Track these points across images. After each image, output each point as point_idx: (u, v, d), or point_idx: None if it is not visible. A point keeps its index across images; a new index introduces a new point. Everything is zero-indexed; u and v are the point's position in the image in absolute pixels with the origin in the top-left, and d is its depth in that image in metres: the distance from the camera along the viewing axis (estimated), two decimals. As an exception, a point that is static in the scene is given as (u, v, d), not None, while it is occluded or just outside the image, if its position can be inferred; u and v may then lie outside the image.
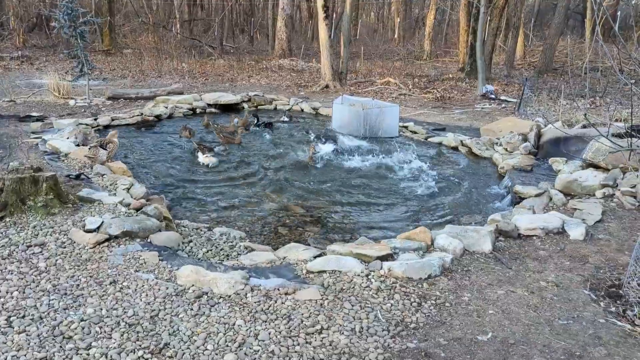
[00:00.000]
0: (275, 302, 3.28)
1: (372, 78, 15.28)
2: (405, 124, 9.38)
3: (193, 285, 3.43)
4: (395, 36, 27.10)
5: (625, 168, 5.61)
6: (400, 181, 6.72)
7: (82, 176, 5.49)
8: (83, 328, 2.91)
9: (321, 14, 13.90)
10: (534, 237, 4.44)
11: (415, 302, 3.35)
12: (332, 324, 3.08)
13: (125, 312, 3.10)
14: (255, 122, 9.42)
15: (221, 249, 4.32)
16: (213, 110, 10.79)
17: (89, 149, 6.24)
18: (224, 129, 8.70)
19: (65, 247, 3.88)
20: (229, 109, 10.87)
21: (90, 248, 3.88)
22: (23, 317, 3.00)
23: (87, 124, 8.39)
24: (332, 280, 3.59)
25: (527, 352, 2.88)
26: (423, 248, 4.10)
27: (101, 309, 3.11)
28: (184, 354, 2.75)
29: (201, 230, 4.73)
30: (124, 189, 5.31)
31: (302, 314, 3.16)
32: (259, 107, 11.31)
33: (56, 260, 3.67)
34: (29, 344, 2.76)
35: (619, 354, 2.87)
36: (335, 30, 18.29)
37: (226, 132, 8.47)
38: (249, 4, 28.14)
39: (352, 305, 3.27)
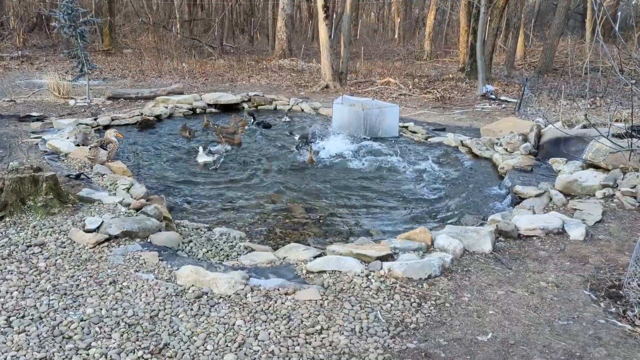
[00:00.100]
0: (275, 302, 3.28)
1: (372, 78, 15.28)
2: (406, 124, 9.38)
3: (193, 285, 3.43)
4: (396, 36, 27.10)
5: (625, 168, 5.61)
6: (400, 181, 6.71)
7: (82, 176, 5.49)
8: (83, 328, 2.91)
9: (321, 14, 13.90)
10: (534, 238, 4.44)
11: (415, 302, 3.35)
12: (332, 324, 3.08)
13: (125, 312, 3.10)
14: (252, 121, 9.42)
15: (221, 249, 4.32)
16: (213, 110, 10.79)
17: (90, 149, 6.24)
18: (223, 129, 8.70)
19: (65, 247, 3.88)
20: (229, 109, 10.87)
21: (90, 248, 3.88)
22: (23, 317, 3.00)
23: (87, 124, 8.40)
24: (332, 280, 3.59)
25: (527, 352, 2.87)
26: (423, 248, 4.10)
27: (101, 309, 3.11)
28: (183, 354, 2.75)
29: (201, 230, 4.73)
30: (124, 189, 5.31)
31: (302, 314, 3.15)
32: (259, 107, 11.31)
33: (56, 260, 3.67)
34: (28, 344, 2.75)
35: (619, 355, 2.87)
36: (336, 30, 18.28)
37: (226, 133, 8.47)
38: (249, 4, 28.15)
39: (352, 306, 3.27)
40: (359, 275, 3.63)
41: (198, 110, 10.62)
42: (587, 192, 5.47)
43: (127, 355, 2.71)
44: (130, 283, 3.43)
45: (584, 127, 7.27)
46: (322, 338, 2.94)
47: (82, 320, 2.98)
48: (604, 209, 4.98)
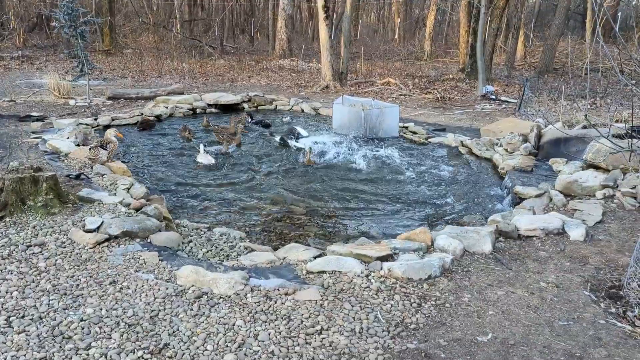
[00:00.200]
0: (275, 302, 3.28)
1: (372, 78, 15.29)
2: (406, 125, 9.38)
3: (193, 285, 3.43)
4: (396, 36, 27.10)
5: (625, 169, 5.61)
6: (400, 182, 6.71)
7: (82, 176, 5.49)
8: (83, 328, 2.91)
9: (321, 14, 13.90)
10: (534, 238, 4.44)
11: (415, 302, 3.35)
12: (332, 324, 3.08)
13: (125, 312, 3.10)
14: (250, 120, 9.42)
15: (221, 249, 4.31)
16: (213, 110, 10.79)
17: (90, 149, 6.24)
18: (223, 129, 8.70)
19: (65, 247, 3.88)
20: (229, 109, 10.86)
21: (90, 248, 3.88)
22: (23, 317, 3.00)
23: (87, 124, 8.40)
24: (332, 280, 3.59)
25: (527, 353, 2.87)
26: (423, 249, 4.10)
27: (101, 309, 3.11)
28: (183, 354, 2.75)
29: (201, 231, 4.73)
30: (124, 189, 5.31)
31: (302, 315, 3.15)
32: (259, 107, 11.31)
33: (56, 260, 3.67)
34: (28, 344, 2.75)
35: (619, 355, 2.86)
36: (336, 30, 18.29)
37: (226, 133, 8.47)
38: (250, 4, 28.16)
39: (352, 306, 3.27)
40: (359, 276, 3.63)
41: (198, 111, 10.62)
42: (587, 192, 5.47)
43: (127, 355, 2.71)
44: (130, 283, 3.43)
45: (584, 127, 7.27)
46: (322, 338, 2.94)
47: (82, 320, 2.98)
48: (604, 210, 4.98)
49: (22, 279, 3.41)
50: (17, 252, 3.76)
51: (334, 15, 20.81)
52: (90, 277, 3.49)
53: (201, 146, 7.30)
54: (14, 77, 13.16)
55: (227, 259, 4.12)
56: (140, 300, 3.23)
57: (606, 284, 3.64)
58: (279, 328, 3.01)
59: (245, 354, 2.77)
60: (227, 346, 2.84)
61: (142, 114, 9.57)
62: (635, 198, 5.14)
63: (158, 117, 9.73)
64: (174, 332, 2.94)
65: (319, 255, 4.01)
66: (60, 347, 2.75)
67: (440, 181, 6.76)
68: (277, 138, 8.52)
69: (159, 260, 3.78)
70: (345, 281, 3.58)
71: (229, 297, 3.32)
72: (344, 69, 14.39)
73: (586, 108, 10.21)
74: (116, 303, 3.19)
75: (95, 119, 8.84)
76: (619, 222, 4.76)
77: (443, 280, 3.65)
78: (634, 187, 5.22)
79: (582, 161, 6.03)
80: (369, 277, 3.62)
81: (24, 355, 2.67)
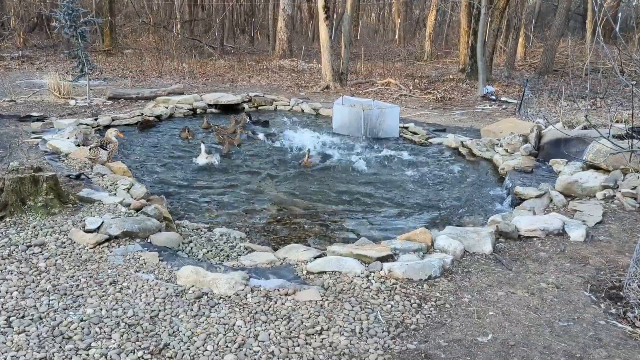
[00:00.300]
0: (275, 302, 3.28)
1: (372, 79, 15.29)
2: (406, 125, 9.38)
3: (193, 285, 3.43)
4: (396, 37, 27.11)
5: (626, 169, 5.61)
6: (400, 182, 6.71)
7: (83, 176, 5.49)
8: (83, 328, 2.91)
9: (322, 15, 13.90)
10: (534, 239, 4.44)
11: (415, 303, 3.35)
12: (332, 325, 3.08)
13: (125, 312, 3.09)
14: (248, 120, 9.44)
15: (221, 250, 4.31)
16: (214, 110, 10.79)
17: (90, 149, 6.24)
18: (223, 130, 8.70)
19: (65, 247, 3.88)
20: (229, 109, 10.87)
21: (90, 248, 3.88)
22: (23, 317, 3.00)
23: (87, 124, 8.40)
24: (332, 281, 3.59)
25: (527, 353, 2.87)
26: (423, 249, 4.10)
27: (101, 310, 3.11)
28: (183, 354, 2.75)
29: (201, 231, 4.73)
30: (124, 189, 5.31)
31: (302, 315, 3.15)
32: (259, 107, 11.31)
33: (56, 261, 3.67)
34: (28, 344, 2.75)
35: (619, 356, 2.86)
36: (336, 30, 18.30)
37: (226, 133, 8.48)
38: (250, 4, 28.16)
39: (352, 306, 3.27)
40: (359, 276, 3.63)
41: (198, 111, 10.62)
42: (587, 193, 5.46)
43: (127, 355, 2.71)
44: (130, 283, 3.43)
45: (585, 128, 7.26)
46: (322, 339, 2.94)
47: (82, 320, 2.98)
48: (605, 210, 4.97)
49: (22, 279, 3.41)
50: (17, 252, 3.76)
51: (334, 16, 20.83)
52: (91, 277, 3.49)
53: (202, 146, 7.30)
54: (14, 77, 13.17)
55: (227, 260, 4.12)
56: (140, 301, 3.23)
57: (606, 284, 3.64)
58: (279, 328, 3.01)
59: (245, 355, 2.77)
60: (227, 346, 2.83)
61: (142, 114, 9.58)
62: (635, 199, 5.13)
63: (158, 117, 9.73)
64: (174, 332, 2.94)
65: (319, 256, 4.01)
66: (60, 347, 2.75)
67: (440, 182, 6.76)
68: (260, 136, 8.61)
69: (159, 260, 3.77)
70: (345, 282, 3.58)
71: (229, 297, 3.32)
72: (344, 69, 14.39)
73: (586, 109, 10.21)
74: (116, 303, 3.19)
75: (96, 119, 8.84)
76: (619, 222, 4.76)
77: (443, 281, 3.65)
78: (634, 188, 5.22)
79: (583, 162, 6.03)
80: (369, 278, 3.62)
81: (24, 356, 2.67)
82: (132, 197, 5.09)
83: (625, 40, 18.80)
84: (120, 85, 12.76)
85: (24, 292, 3.26)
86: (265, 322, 3.06)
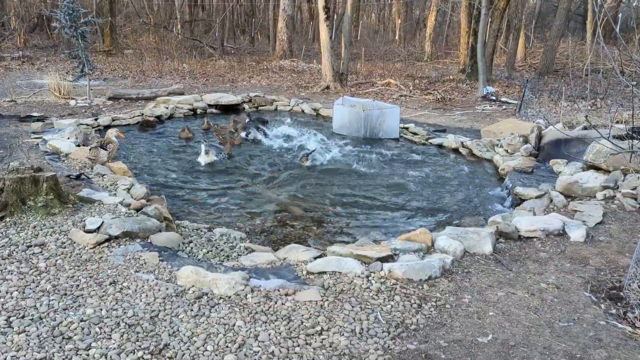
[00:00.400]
0: (276, 303, 3.28)
1: (372, 79, 15.29)
2: (406, 125, 9.38)
3: (193, 285, 3.43)
4: (396, 37, 27.12)
5: (626, 170, 5.61)
6: (401, 183, 6.71)
7: (83, 176, 5.49)
8: (83, 328, 2.91)
9: (322, 15, 13.91)
10: (535, 239, 4.44)
11: (415, 303, 3.35)
12: (332, 325, 3.07)
13: (125, 312, 3.09)
14: (247, 120, 9.45)
15: (221, 250, 4.31)
16: (214, 111, 10.79)
17: (90, 149, 6.24)
18: (223, 129, 8.71)
19: (65, 248, 3.88)
20: (229, 109, 10.87)
21: (91, 248, 3.88)
22: (23, 317, 3.00)
23: (87, 124, 8.40)
24: (332, 281, 3.59)
25: (527, 354, 2.87)
26: (423, 249, 4.10)
27: (101, 310, 3.11)
28: (183, 354, 2.75)
29: (201, 231, 4.73)
30: (124, 190, 5.31)
31: (302, 315, 3.15)
32: (259, 108, 11.32)
33: (56, 261, 3.67)
34: (28, 344, 2.75)
35: (619, 356, 2.86)
36: (336, 31, 18.30)
37: (226, 133, 8.48)
38: (250, 4, 28.17)
39: (353, 307, 3.26)
40: (359, 276, 3.63)
41: (199, 111, 10.62)
42: (587, 193, 5.46)
43: (127, 355, 2.71)
44: (130, 283, 3.43)
45: (585, 128, 7.26)
46: (322, 339, 2.94)
47: (82, 320, 2.98)
48: (605, 211, 4.97)
49: (22, 279, 3.41)
50: (17, 252, 3.76)
51: (335, 16, 20.83)
52: (91, 277, 3.49)
53: (202, 146, 7.30)
54: (14, 78, 13.17)
55: (228, 260, 4.12)
56: (140, 301, 3.23)
57: (606, 285, 3.64)
58: (279, 329, 3.01)
59: (245, 355, 2.77)
60: (227, 347, 2.83)
61: (142, 114, 9.58)
62: (635, 199, 5.13)
63: (158, 118, 9.73)
64: (174, 332, 2.94)
65: (319, 256, 4.01)
66: (60, 347, 2.75)
67: (440, 182, 6.76)
68: (244, 135, 8.62)
69: (159, 260, 3.77)
70: (345, 282, 3.58)
71: (229, 297, 3.32)
72: (344, 69, 14.39)
73: (587, 109, 10.21)
74: (116, 303, 3.19)
75: (96, 120, 8.84)
76: (619, 223, 4.75)
77: (443, 281, 3.65)
78: (635, 188, 5.22)
79: (583, 162, 6.03)
80: (369, 278, 3.62)
81: (24, 356, 2.67)
82: (132, 197, 5.09)
83: (626, 40, 18.80)
84: (120, 86, 12.76)
85: (24, 292, 3.26)
86: (266, 323, 3.06)
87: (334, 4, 22.92)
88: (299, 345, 2.87)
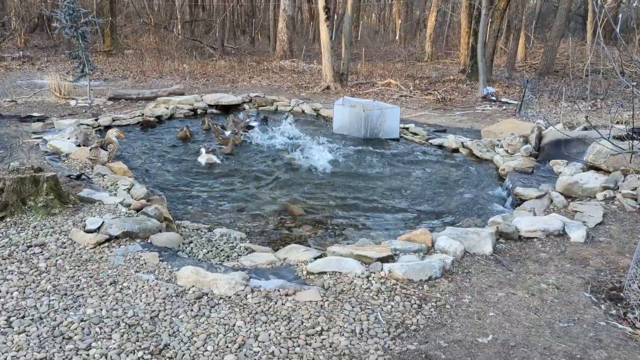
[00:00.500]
0: (276, 303, 3.28)
1: (373, 79, 15.29)
2: (406, 126, 9.38)
3: (193, 286, 3.43)
4: (397, 38, 27.12)
5: (626, 170, 5.61)
6: (401, 183, 6.71)
7: (83, 176, 5.49)
8: (83, 328, 2.91)
9: (322, 16, 13.91)
10: (535, 239, 4.44)
11: (415, 304, 3.35)
12: (333, 325, 3.07)
13: (125, 312, 3.10)
14: (247, 119, 9.47)
15: (221, 250, 4.32)
16: (214, 111, 10.79)
17: (90, 150, 6.24)
18: (223, 129, 8.71)
19: (65, 248, 3.88)
20: (230, 110, 10.87)
21: (91, 248, 3.88)
22: (23, 317, 3.00)
23: (88, 125, 8.40)
24: (332, 281, 3.59)
25: (527, 354, 2.87)
26: (423, 250, 4.10)
27: (101, 310, 3.11)
28: (183, 354, 2.75)
29: (201, 231, 4.73)
30: (124, 190, 5.31)
31: (303, 315, 3.15)
32: (260, 108, 11.32)
33: (56, 261, 3.67)
34: (28, 345, 2.75)
35: (619, 357, 2.86)
36: (337, 31, 18.29)
37: (223, 133, 8.48)
38: (250, 5, 28.17)
39: (353, 307, 3.27)
40: (359, 277, 3.63)
41: (199, 111, 10.62)
42: (587, 194, 5.46)
43: (127, 355, 2.71)
44: (130, 284, 3.43)
45: (585, 129, 7.27)
46: (323, 339, 2.94)
47: (82, 320, 2.98)
48: (605, 211, 4.97)
49: (22, 279, 3.41)
50: (17, 252, 3.76)
51: (335, 17, 20.82)
52: (91, 277, 3.49)
53: (202, 150, 7.31)
54: (15, 78, 13.18)
55: (228, 260, 4.12)
56: (140, 301, 3.23)
57: (607, 285, 3.64)
58: (279, 329, 3.01)
59: (245, 355, 2.77)
60: (227, 347, 2.84)
61: (142, 114, 9.58)
62: (635, 200, 5.13)
63: (159, 118, 9.73)
64: (174, 332, 2.94)
65: (320, 256, 4.02)
66: (60, 347, 2.75)
67: (440, 182, 6.76)
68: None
69: (160, 260, 3.78)
70: (345, 282, 3.58)
71: (230, 297, 3.32)
72: (344, 70, 14.39)
73: (587, 109, 10.21)
74: (116, 303, 3.19)
75: (96, 120, 8.84)
76: (619, 223, 4.75)
77: (443, 282, 3.65)
78: (635, 189, 5.22)
79: (583, 163, 6.03)
80: (370, 278, 3.62)
81: (24, 356, 2.67)
82: (132, 198, 5.10)
83: (626, 41, 18.80)
84: (120, 86, 12.76)
85: (24, 292, 3.26)
86: (266, 323, 3.06)
87: (334, 4, 22.94)
88: (299, 346, 2.87)
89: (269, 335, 2.94)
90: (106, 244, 3.96)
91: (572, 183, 5.58)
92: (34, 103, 10.24)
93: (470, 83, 14.80)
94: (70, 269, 3.58)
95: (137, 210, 4.63)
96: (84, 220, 4.22)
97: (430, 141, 8.76)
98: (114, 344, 2.80)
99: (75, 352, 2.71)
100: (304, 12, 29.45)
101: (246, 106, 11.19)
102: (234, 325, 3.02)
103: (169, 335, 2.91)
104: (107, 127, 8.53)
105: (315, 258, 3.98)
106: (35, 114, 8.93)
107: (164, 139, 8.51)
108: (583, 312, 3.31)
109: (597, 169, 5.81)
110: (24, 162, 5.57)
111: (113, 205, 4.70)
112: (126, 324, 2.98)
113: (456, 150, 8.25)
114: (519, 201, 5.62)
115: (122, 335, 2.87)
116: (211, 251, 4.28)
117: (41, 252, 3.79)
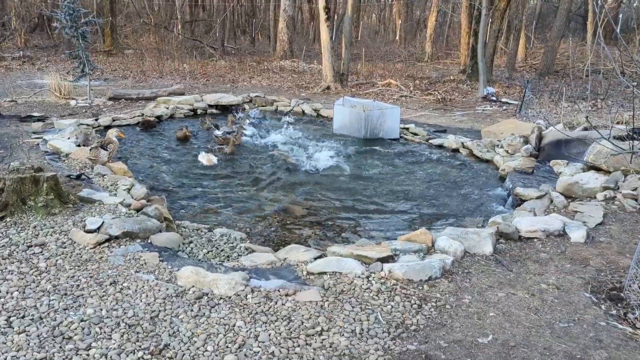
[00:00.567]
0: (276, 303, 3.28)
1: (373, 80, 15.29)
2: (407, 126, 9.38)
3: (193, 286, 3.43)
4: (397, 38, 27.12)
5: (626, 171, 5.61)
6: (401, 183, 6.71)
7: (83, 176, 5.49)
8: (83, 328, 2.91)
9: (322, 16, 13.91)
10: (535, 240, 4.43)
11: (415, 304, 3.34)
12: (333, 325, 3.07)
13: (125, 312, 3.09)
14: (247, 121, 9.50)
15: (222, 250, 4.31)
16: (214, 111, 10.79)
17: (90, 150, 6.24)
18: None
19: (65, 248, 3.88)
20: (230, 110, 10.87)
21: (91, 248, 3.88)
22: (23, 317, 3.00)
23: (88, 125, 8.40)
24: (332, 281, 3.59)
25: (527, 354, 2.87)
26: (424, 250, 4.09)
27: (101, 310, 3.11)
28: (183, 355, 2.75)
29: (202, 231, 4.73)
30: (124, 190, 5.31)
31: (303, 316, 3.15)
32: (260, 108, 11.31)
33: (56, 261, 3.67)
34: (28, 344, 2.75)
35: (619, 357, 2.86)
36: (337, 31, 18.28)
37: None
38: (251, 5, 28.17)
39: (353, 307, 3.26)
40: (359, 277, 3.63)
41: (199, 111, 10.62)
42: (588, 194, 5.46)
43: (127, 355, 2.71)
44: (130, 284, 3.43)
45: (585, 129, 7.27)
46: (323, 339, 2.94)
47: (82, 320, 2.98)
48: (605, 211, 4.97)
49: (22, 279, 3.41)
50: (17, 252, 3.76)
51: (335, 17, 20.81)
52: (91, 277, 3.49)
53: (203, 152, 7.32)
54: (15, 78, 13.18)
55: (228, 260, 4.12)
56: (140, 301, 3.23)
57: (607, 285, 3.64)
58: (279, 329, 3.01)
59: (245, 355, 2.77)
60: (227, 347, 2.83)
61: (143, 114, 9.58)
62: (636, 200, 5.13)
63: (159, 118, 9.73)
64: (174, 332, 2.94)
65: (320, 257, 4.01)
66: (60, 347, 2.75)
67: (440, 182, 6.76)
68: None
69: (160, 260, 3.77)
70: (345, 282, 3.57)
71: (230, 297, 3.32)
72: (344, 70, 14.39)
73: (587, 110, 10.21)
74: (116, 303, 3.19)
75: (96, 120, 8.84)
76: (619, 223, 4.75)
77: (443, 282, 3.65)
78: (635, 189, 5.22)
79: (583, 163, 6.02)
80: (370, 279, 3.62)
81: (24, 356, 2.67)
82: (132, 198, 5.09)
83: (626, 41, 18.79)
84: (121, 86, 12.77)
85: (24, 292, 3.26)
86: (266, 323, 3.06)
87: (335, 4, 22.94)
88: (299, 346, 2.87)
89: (269, 335, 2.94)
90: (106, 244, 3.96)
91: (572, 183, 5.58)
92: (34, 103, 10.24)
93: (470, 83, 14.80)
94: (70, 269, 3.58)
95: (137, 210, 4.63)
96: (84, 220, 4.22)
97: (430, 141, 8.76)
98: (114, 344, 2.80)
99: (75, 352, 2.71)
100: (305, 12, 29.46)
101: (246, 106, 11.19)
102: (234, 326, 3.02)
103: (169, 335, 2.91)
104: (107, 127, 8.52)
105: (315, 258, 3.98)
106: (35, 114, 8.93)
107: (164, 139, 8.51)
108: (583, 313, 3.31)
109: (598, 169, 5.81)
110: (24, 162, 5.57)
111: (113, 205, 4.70)
112: (126, 324, 2.98)
113: (456, 151, 8.25)
114: (519, 201, 5.62)
115: (122, 335, 2.87)
116: (211, 251, 4.28)
117: (41, 252, 3.79)
